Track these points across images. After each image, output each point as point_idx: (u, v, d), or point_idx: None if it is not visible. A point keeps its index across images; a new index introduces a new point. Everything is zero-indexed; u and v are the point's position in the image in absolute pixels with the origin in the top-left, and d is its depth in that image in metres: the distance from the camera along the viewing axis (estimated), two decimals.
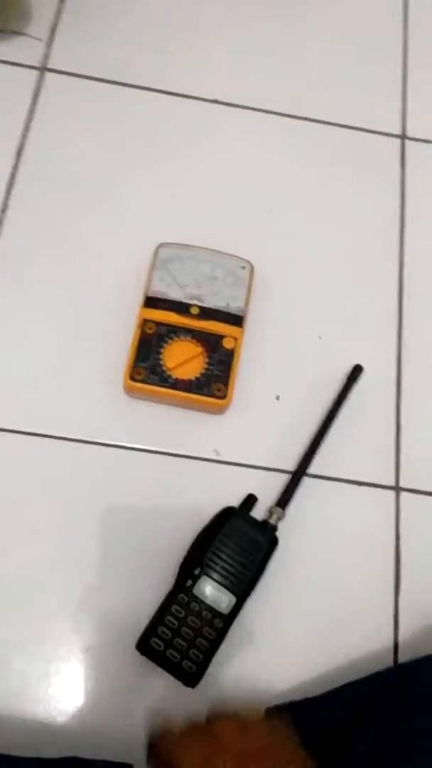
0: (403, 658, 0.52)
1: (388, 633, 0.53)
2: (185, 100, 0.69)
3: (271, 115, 0.70)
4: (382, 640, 0.53)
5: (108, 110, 0.68)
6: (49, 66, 0.68)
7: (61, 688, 0.49)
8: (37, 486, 0.54)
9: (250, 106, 0.70)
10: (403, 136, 0.71)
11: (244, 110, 0.70)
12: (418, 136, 0.71)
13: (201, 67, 0.71)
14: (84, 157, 0.65)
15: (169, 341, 0.56)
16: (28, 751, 0.43)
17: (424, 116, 0.72)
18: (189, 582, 0.49)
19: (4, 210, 0.62)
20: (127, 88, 0.69)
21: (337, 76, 0.73)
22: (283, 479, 0.55)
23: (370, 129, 0.71)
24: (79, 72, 0.68)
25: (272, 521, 0.52)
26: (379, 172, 0.69)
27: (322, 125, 0.70)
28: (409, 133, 0.71)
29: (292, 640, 0.52)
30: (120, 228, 0.63)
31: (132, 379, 0.55)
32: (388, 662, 0.52)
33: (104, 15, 0.71)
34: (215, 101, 0.70)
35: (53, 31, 0.70)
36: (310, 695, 0.48)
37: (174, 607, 0.48)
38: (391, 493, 0.57)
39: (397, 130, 0.71)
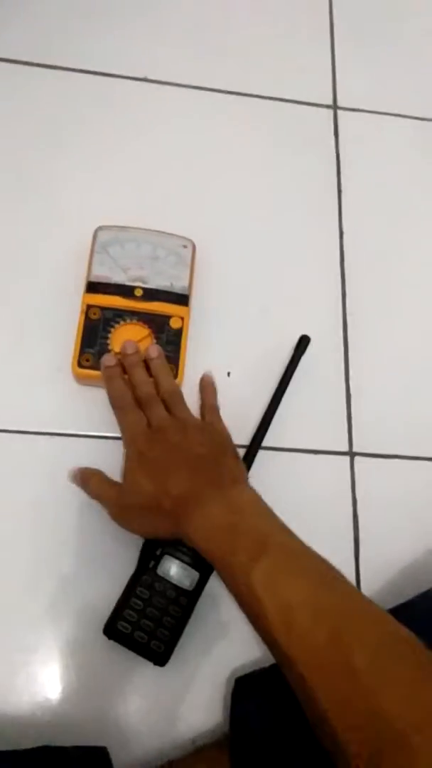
0: None
1: None
2: (113, 79, 0.68)
3: (203, 91, 0.69)
4: None
5: (35, 94, 0.66)
6: None
7: (31, 678, 0.49)
8: None
9: (181, 83, 0.69)
10: (334, 107, 0.71)
11: (175, 87, 0.69)
12: (349, 106, 0.71)
13: (127, 45, 0.70)
14: (13, 143, 0.64)
15: (116, 325, 0.56)
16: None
17: (354, 85, 0.72)
18: (152, 563, 0.49)
19: None
20: (52, 70, 0.67)
21: (266, 49, 0.73)
22: (240, 454, 0.55)
23: (302, 101, 0.71)
24: (5, 56, 0.66)
25: None
26: (313, 143, 0.70)
27: (254, 99, 0.70)
28: (341, 102, 0.71)
29: None
30: (56, 213, 0.62)
31: (80, 366, 0.54)
32: None
33: None
34: (144, 79, 0.69)
35: None
36: None
37: (138, 589, 0.48)
38: (346, 459, 0.58)
39: (329, 101, 0.72)
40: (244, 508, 0.46)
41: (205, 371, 0.58)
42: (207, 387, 0.57)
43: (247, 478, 0.50)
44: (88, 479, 0.52)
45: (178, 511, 0.45)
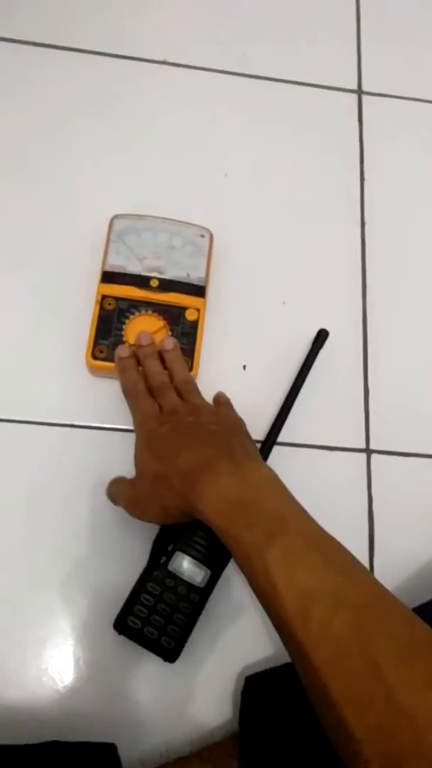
0: None
1: None
2: (132, 62, 0.66)
3: (224, 75, 0.68)
4: None
5: (53, 78, 0.65)
6: None
7: (40, 673, 0.49)
8: (4, 471, 0.53)
9: (201, 66, 0.67)
10: (359, 91, 0.69)
11: (195, 71, 0.67)
12: (374, 90, 0.69)
13: (147, 27, 0.68)
14: (30, 129, 0.63)
15: (131, 316, 0.55)
16: (8, 737, 0.43)
17: (380, 70, 0.70)
18: (163, 559, 0.48)
19: None
20: (71, 53, 0.66)
21: (290, 32, 0.70)
22: None
23: (325, 85, 0.69)
24: (19, 38, 0.65)
25: None
26: (336, 129, 0.68)
27: (276, 83, 0.68)
28: (365, 87, 0.69)
29: None
30: (71, 201, 0.61)
31: (94, 357, 0.54)
32: None
33: None
34: (164, 62, 0.67)
35: None
36: (288, 660, 0.48)
37: (149, 584, 0.48)
38: (362, 456, 0.57)
39: (353, 85, 0.69)
40: (259, 483, 0.43)
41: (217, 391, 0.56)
42: (221, 396, 0.56)
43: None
44: (108, 487, 0.51)
45: (187, 485, 0.43)
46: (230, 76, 0.68)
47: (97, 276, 0.56)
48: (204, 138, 0.65)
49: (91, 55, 0.66)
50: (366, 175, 0.66)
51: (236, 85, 0.67)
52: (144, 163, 0.63)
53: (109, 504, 0.51)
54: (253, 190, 0.64)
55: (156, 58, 0.67)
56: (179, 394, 0.51)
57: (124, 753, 0.44)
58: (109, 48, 0.66)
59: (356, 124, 0.68)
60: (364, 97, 0.69)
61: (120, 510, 0.50)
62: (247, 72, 0.68)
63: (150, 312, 0.55)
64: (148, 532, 0.50)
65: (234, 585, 0.51)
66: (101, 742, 0.43)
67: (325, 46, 0.70)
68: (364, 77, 0.70)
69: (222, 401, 0.55)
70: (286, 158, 0.66)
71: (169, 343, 0.53)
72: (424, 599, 0.49)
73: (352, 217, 0.64)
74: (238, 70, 0.68)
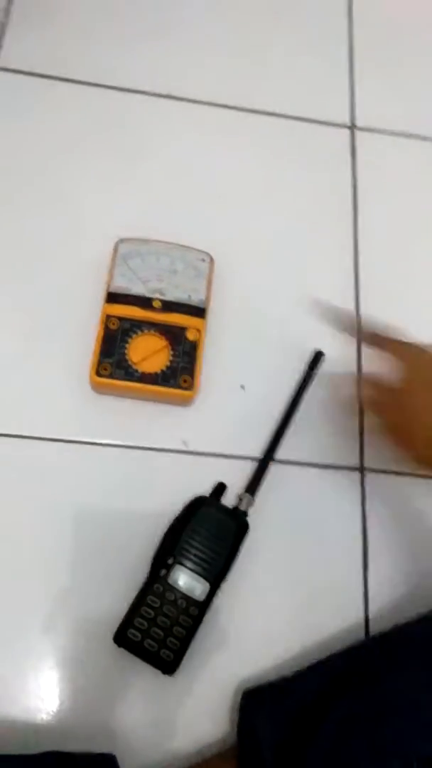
0: (374, 631, 0.54)
1: (359, 609, 0.55)
2: (138, 95, 0.69)
3: (224, 109, 0.71)
4: (354, 616, 0.55)
5: (60, 108, 0.68)
6: None
7: (41, 685, 0.49)
8: (4, 486, 0.54)
9: (203, 100, 0.70)
10: (352, 127, 0.73)
11: (197, 104, 0.70)
12: (366, 126, 0.73)
13: (153, 62, 0.71)
14: (36, 156, 0.65)
15: (134, 335, 0.57)
16: (7, 750, 0.43)
17: (372, 106, 0.73)
18: (163, 572, 0.49)
19: None
20: (79, 86, 0.69)
21: (285, 68, 0.74)
22: (252, 466, 0.56)
23: (320, 120, 0.72)
24: (29, 70, 0.68)
25: (242, 507, 0.53)
26: (330, 162, 0.71)
27: (273, 117, 0.71)
28: (358, 123, 0.73)
29: (266, 621, 0.53)
30: (78, 225, 0.63)
31: (98, 374, 0.55)
32: (360, 637, 0.54)
33: (49, 12, 0.71)
34: (168, 96, 0.70)
35: (2, 29, 0.69)
36: (286, 674, 0.49)
37: (149, 597, 0.49)
38: (356, 474, 0.59)
39: (347, 121, 0.73)
40: None
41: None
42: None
43: None
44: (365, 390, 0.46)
45: None
46: (230, 110, 0.71)
47: (102, 297, 0.58)
48: (205, 167, 0.68)
49: (98, 88, 0.69)
50: (359, 208, 0.69)
51: (235, 118, 0.70)
52: (147, 190, 0.66)
53: (111, 518, 0.52)
54: (252, 217, 0.66)
55: (160, 92, 0.70)
56: None
57: (123, 765, 0.45)
58: (115, 81, 0.69)
59: (349, 158, 0.71)
60: (357, 132, 0.72)
61: (121, 523, 0.51)
62: (245, 106, 0.71)
63: (152, 332, 0.57)
64: (149, 546, 0.51)
65: (232, 599, 0.52)
66: (101, 752, 0.44)
67: (319, 81, 0.74)
68: (357, 112, 0.73)
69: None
70: (283, 189, 0.68)
71: None
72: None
73: (346, 245, 0.67)
74: (238, 105, 0.71)
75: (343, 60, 0.76)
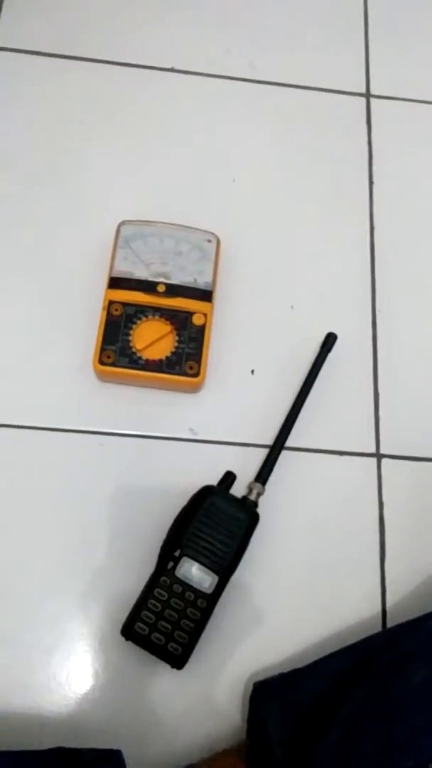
0: (391, 623, 0.52)
1: (376, 600, 0.53)
2: (140, 70, 0.67)
3: (231, 81, 0.68)
4: (371, 607, 0.53)
5: (61, 86, 0.66)
6: None
7: (48, 679, 0.49)
8: (8, 477, 0.53)
9: (208, 72, 0.68)
10: (367, 95, 0.69)
11: (203, 77, 0.67)
12: (382, 94, 0.69)
13: (153, 35, 0.68)
14: (38, 136, 0.63)
15: (138, 321, 0.55)
16: (15, 744, 0.43)
17: (388, 72, 0.70)
18: (170, 564, 0.48)
19: None
20: (80, 62, 0.66)
21: (297, 37, 0.70)
22: (262, 454, 0.54)
23: (333, 89, 0.69)
24: (28, 48, 0.66)
25: (252, 497, 0.52)
26: (345, 133, 0.67)
27: (284, 88, 0.68)
28: (374, 90, 0.69)
29: (279, 613, 0.52)
30: (79, 207, 0.61)
31: (101, 362, 0.54)
32: (377, 629, 0.52)
33: None
34: (171, 69, 0.67)
35: None
36: (299, 666, 0.48)
37: (156, 590, 0.48)
38: (373, 461, 0.57)
39: (362, 89, 0.69)
40: None
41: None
42: None
43: None
44: None
45: None
46: (237, 82, 0.68)
47: (105, 282, 0.56)
48: (212, 144, 0.65)
49: (99, 64, 0.67)
50: (375, 179, 0.66)
51: (244, 91, 0.68)
52: (152, 169, 0.63)
53: (118, 509, 0.51)
54: (261, 195, 0.64)
55: (164, 66, 0.67)
56: None
57: (131, 760, 0.44)
58: (117, 57, 0.67)
59: (365, 127, 0.68)
60: (373, 101, 0.69)
61: (127, 516, 0.50)
62: (254, 78, 0.68)
63: (157, 317, 0.55)
64: (157, 538, 0.50)
65: (243, 590, 0.51)
66: (107, 748, 0.43)
67: (332, 49, 0.70)
68: (372, 80, 0.69)
69: None
70: (293, 163, 0.65)
71: None
72: None
73: (361, 220, 0.64)
74: (245, 76, 0.68)
75: (358, 27, 0.72)
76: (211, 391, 0.56)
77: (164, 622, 0.47)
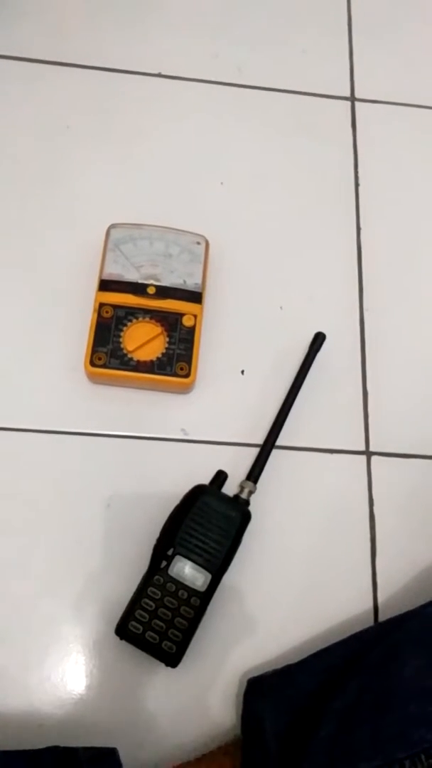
0: (383, 618, 0.52)
1: (368, 596, 0.54)
2: (128, 75, 0.68)
3: (217, 86, 0.69)
4: (363, 604, 0.53)
5: (51, 92, 0.66)
6: None
7: (43, 678, 0.49)
8: (1, 480, 0.53)
9: (195, 77, 0.68)
10: (352, 98, 0.70)
11: (189, 82, 0.68)
12: (367, 97, 0.70)
13: (141, 41, 0.69)
14: (26, 141, 0.64)
15: (128, 323, 0.55)
16: (10, 744, 0.43)
17: (372, 76, 0.71)
18: (163, 563, 0.49)
19: None
20: (68, 68, 0.67)
21: (283, 42, 0.71)
22: (253, 453, 0.55)
23: (319, 93, 0.70)
24: (15, 54, 0.67)
25: (244, 496, 0.52)
26: (330, 136, 0.68)
27: (269, 92, 0.69)
28: (358, 94, 0.70)
29: (272, 610, 0.52)
30: (68, 211, 0.62)
31: (92, 364, 0.54)
32: (370, 624, 0.52)
33: None
34: (159, 75, 0.68)
35: None
36: (292, 663, 0.48)
37: (150, 589, 0.48)
38: (362, 458, 0.57)
39: (346, 93, 0.70)
40: None
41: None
42: None
43: None
44: None
45: None
46: (224, 87, 0.68)
47: (95, 284, 0.56)
48: (199, 147, 0.66)
49: (87, 70, 0.67)
50: (360, 180, 0.67)
51: (230, 95, 0.68)
52: (141, 173, 0.64)
53: (110, 510, 0.52)
54: (249, 198, 0.64)
55: (151, 71, 0.68)
56: None
57: (126, 758, 0.44)
58: (105, 62, 0.67)
59: (350, 130, 0.69)
60: (357, 104, 0.70)
61: (121, 516, 0.51)
62: (240, 82, 0.69)
63: (147, 319, 0.56)
64: (150, 538, 0.50)
65: (236, 589, 0.51)
66: (101, 747, 0.43)
67: (318, 54, 0.71)
68: (356, 84, 0.70)
69: None
70: (280, 165, 0.66)
71: None
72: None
73: (347, 221, 0.65)
74: (231, 81, 0.69)
75: (342, 30, 0.73)
76: (202, 391, 0.57)
77: (158, 620, 0.48)
